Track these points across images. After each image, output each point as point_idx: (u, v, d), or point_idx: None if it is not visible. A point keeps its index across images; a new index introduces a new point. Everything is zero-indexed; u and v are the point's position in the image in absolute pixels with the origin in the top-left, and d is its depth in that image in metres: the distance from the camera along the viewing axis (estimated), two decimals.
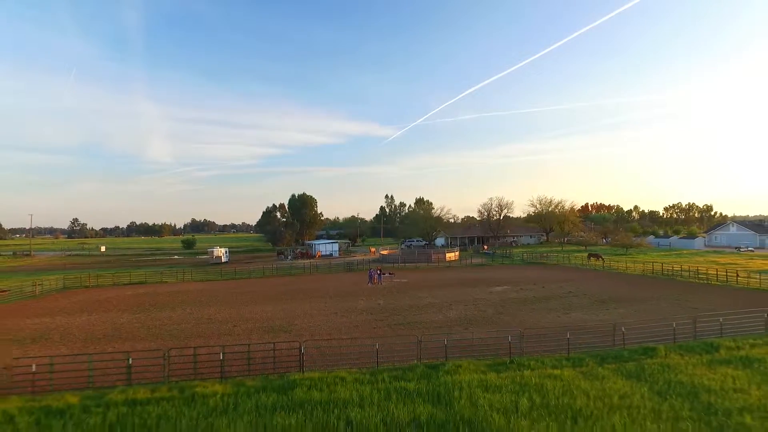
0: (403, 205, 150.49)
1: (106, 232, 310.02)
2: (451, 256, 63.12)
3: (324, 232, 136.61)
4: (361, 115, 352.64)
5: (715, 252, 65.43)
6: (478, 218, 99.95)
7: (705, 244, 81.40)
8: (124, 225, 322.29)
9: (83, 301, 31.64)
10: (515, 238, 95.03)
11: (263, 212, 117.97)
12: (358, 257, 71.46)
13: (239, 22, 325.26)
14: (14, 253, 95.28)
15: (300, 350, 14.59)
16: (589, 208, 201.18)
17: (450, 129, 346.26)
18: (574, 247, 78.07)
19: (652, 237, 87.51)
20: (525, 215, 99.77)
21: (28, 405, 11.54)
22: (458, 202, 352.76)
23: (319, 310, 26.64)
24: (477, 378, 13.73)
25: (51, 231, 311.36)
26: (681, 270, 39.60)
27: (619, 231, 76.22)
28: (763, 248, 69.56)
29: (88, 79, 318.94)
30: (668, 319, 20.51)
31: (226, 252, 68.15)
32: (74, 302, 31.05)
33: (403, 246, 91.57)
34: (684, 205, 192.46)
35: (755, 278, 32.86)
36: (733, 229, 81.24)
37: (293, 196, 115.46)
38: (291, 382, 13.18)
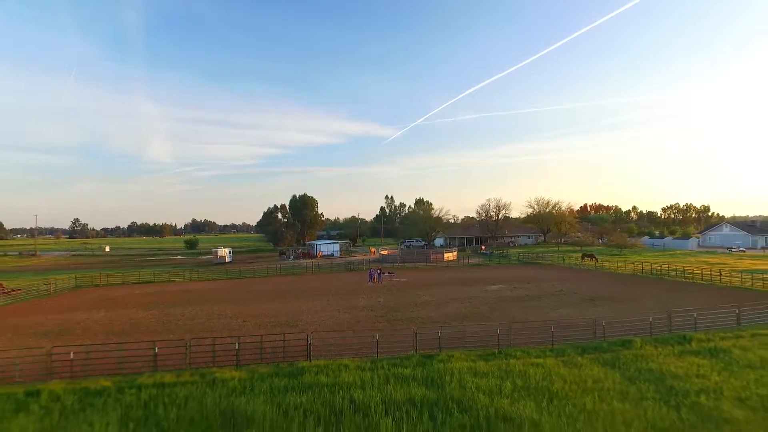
0: (403, 205, 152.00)
1: (107, 232, 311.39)
2: (449, 256, 64.61)
3: (324, 233, 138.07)
4: (361, 115, 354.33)
5: (707, 252, 66.97)
6: (477, 219, 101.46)
7: (699, 245, 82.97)
8: (124, 225, 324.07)
9: (97, 299, 33.18)
10: (513, 239, 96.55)
11: (264, 213, 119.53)
12: (359, 257, 72.96)
13: (239, 22, 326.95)
14: (20, 253, 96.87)
15: (307, 341, 16.13)
16: (588, 208, 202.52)
17: (450, 129, 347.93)
18: (570, 248, 79.57)
19: (646, 237, 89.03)
20: (523, 216, 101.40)
21: (69, 387, 13.07)
22: (458, 202, 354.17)
23: (323, 307, 28.16)
24: (467, 366, 15.26)
25: (52, 231, 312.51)
26: (669, 270, 41.14)
27: (613, 232, 77.67)
28: (755, 248, 71.09)
29: (88, 79, 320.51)
30: (648, 315, 22.01)
31: (229, 252, 69.71)
32: (88, 300, 32.58)
33: (402, 246, 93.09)
34: (682, 206, 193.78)
35: (737, 277, 34.36)
36: (726, 229, 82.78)
37: (294, 196, 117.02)
38: (300, 369, 14.72)
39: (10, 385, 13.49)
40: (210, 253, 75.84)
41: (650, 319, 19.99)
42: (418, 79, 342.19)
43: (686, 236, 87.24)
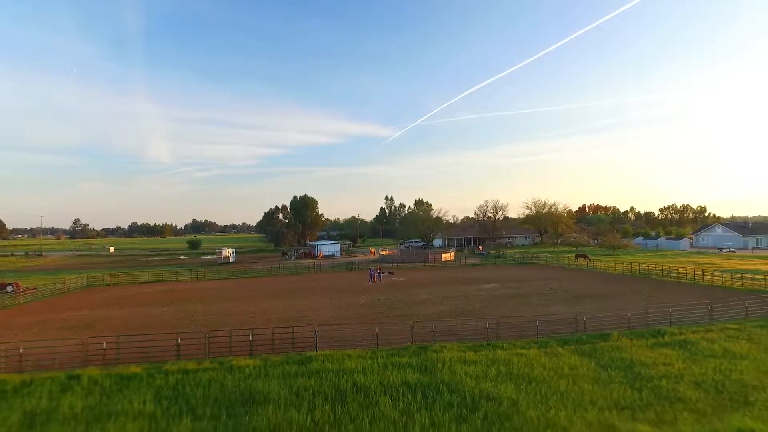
0: (402, 206, 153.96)
1: (107, 233, 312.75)
2: (447, 256, 66.31)
3: (325, 233, 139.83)
4: (361, 115, 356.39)
5: (698, 253, 68.72)
6: (476, 219, 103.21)
7: (693, 246, 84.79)
8: (124, 225, 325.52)
9: (110, 297, 34.88)
10: (510, 239, 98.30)
11: (265, 213, 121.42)
12: (359, 257, 74.67)
13: (239, 22, 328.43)
14: (26, 254, 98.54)
15: (314, 333, 17.84)
16: (587, 209, 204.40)
17: (450, 129, 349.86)
18: (566, 248, 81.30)
19: (641, 238, 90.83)
20: (520, 217, 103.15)
21: (104, 372, 14.77)
22: (458, 202, 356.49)
23: (325, 304, 29.86)
24: (458, 355, 16.97)
25: (53, 231, 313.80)
26: (656, 270, 42.88)
27: (607, 232, 79.49)
28: (746, 249, 72.85)
29: (88, 79, 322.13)
30: (629, 311, 23.70)
31: (233, 252, 71.47)
32: (102, 298, 34.28)
33: (401, 247, 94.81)
34: (679, 207, 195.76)
35: (719, 276, 36.10)
36: (719, 230, 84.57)
37: (295, 197, 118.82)
38: (308, 358, 16.43)
39: (49, 371, 15.18)
40: (213, 254, 77.64)
41: (628, 315, 21.71)
42: (418, 79, 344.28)
43: (679, 237, 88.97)
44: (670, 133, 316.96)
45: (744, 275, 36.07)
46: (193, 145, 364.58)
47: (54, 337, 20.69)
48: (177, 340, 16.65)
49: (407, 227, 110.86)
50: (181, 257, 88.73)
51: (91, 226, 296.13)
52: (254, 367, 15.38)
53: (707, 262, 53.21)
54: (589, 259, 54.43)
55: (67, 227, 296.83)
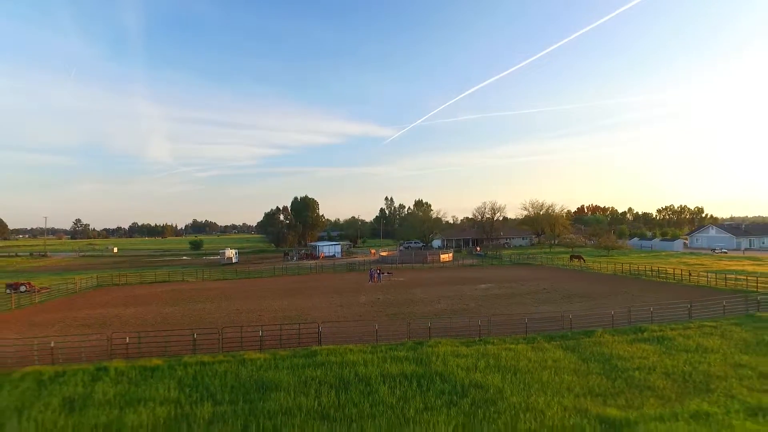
0: (402, 206, 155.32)
1: (108, 233, 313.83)
2: (446, 257, 67.76)
3: (325, 234, 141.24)
4: (361, 115, 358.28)
5: (691, 254, 70.20)
6: (474, 220, 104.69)
7: (688, 246, 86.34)
8: (124, 225, 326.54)
9: (121, 296, 36.33)
10: (508, 240, 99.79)
11: (266, 214, 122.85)
12: (360, 258, 76.12)
13: (239, 22, 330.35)
14: (31, 254, 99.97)
15: (318, 329, 19.30)
16: (585, 209, 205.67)
17: (450, 129, 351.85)
18: (563, 249, 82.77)
19: (636, 239, 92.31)
20: (519, 217, 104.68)
21: (129, 364, 16.22)
22: (458, 203, 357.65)
23: (327, 303, 31.32)
24: (451, 349, 18.42)
25: (54, 231, 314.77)
26: (646, 270, 44.37)
27: (602, 233, 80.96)
28: (738, 250, 74.35)
29: (88, 79, 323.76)
30: (614, 309, 25.15)
31: (236, 253, 72.96)
32: (114, 297, 35.73)
33: (401, 247, 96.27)
34: (676, 207, 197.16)
35: (704, 277, 37.58)
36: (712, 232, 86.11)
37: (296, 198, 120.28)
38: (313, 352, 17.89)
39: (79, 363, 16.63)
40: (215, 254, 79.06)
41: (612, 313, 23.18)
42: (418, 79, 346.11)
43: (673, 238, 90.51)
44: (670, 133, 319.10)
45: (728, 276, 37.56)
46: (193, 146, 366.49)
47: (75, 334, 22.13)
48: (193, 335, 18.11)
49: (407, 228, 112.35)
50: (184, 258, 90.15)
51: (91, 227, 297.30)
52: (264, 360, 16.84)
53: (697, 262, 54.69)
54: (583, 260, 55.89)
55: (67, 227, 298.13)
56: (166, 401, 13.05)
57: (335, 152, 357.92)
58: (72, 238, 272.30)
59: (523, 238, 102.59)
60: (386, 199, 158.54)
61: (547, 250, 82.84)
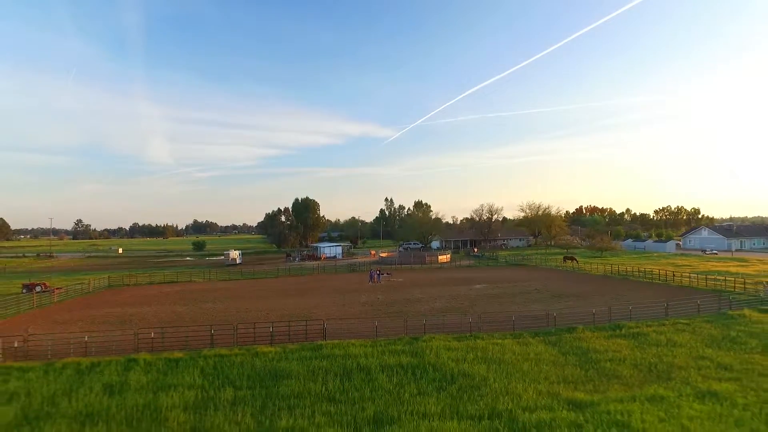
0: (402, 207, 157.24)
1: (109, 233, 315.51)
2: (443, 258, 69.68)
3: (326, 234, 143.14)
4: (361, 115, 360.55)
5: (682, 255, 72.15)
6: (475, 220, 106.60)
7: (681, 247, 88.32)
8: (125, 226, 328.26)
9: (134, 296, 38.26)
10: (505, 241, 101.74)
11: (267, 215, 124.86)
12: (360, 259, 78.04)
13: (239, 22, 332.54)
14: (38, 255, 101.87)
15: (323, 326, 21.24)
16: (584, 210, 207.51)
17: (450, 130, 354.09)
18: (558, 250, 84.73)
19: (630, 240, 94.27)
20: (517, 219, 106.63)
21: (155, 356, 18.16)
22: (458, 203, 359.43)
23: (331, 302, 33.24)
24: (443, 344, 20.35)
25: (55, 232, 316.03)
26: (633, 271, 46.34)
27: (597, 235, 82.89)
28: (728, 251, 76.29)
29: (88, 80, 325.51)
30: (597, 308, 27.06)
31: (240, 254, 74.93)
32: (128, 297, 37.65)
33: (400, 248, 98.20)
34: (673, 208, 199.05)
35: (687, 277, 39.54)
36: (704, 233, 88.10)
37: (296, 200, 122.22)
38: (319, 346, 19.82)
39: (109, 356, 18.56)
40: (218, 255, 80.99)
41: (593, 311, 25.12)
42: (419, 79, 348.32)
43: (666, 239, 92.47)
44: (670, 134, 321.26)
45: (708, 277, 39.53)
46: (193, 146, 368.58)
47: (101, 330, 24.05)
48: (211, 331, 20.05)
49: (406, 229, 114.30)
50: (188, 259, 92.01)
51: (92, 227, 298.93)
52: (276, 353, 18.78)
53: (686, 263, 56.64)
54: (576, 261, 57.80)
55: (68, 228, 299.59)
56: (193, 387, 14.98)
57: (335, 152, 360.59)
58: (74, 238, 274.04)
59: (520, 240, 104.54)
60: (386, 199, 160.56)
61: (543, 251, 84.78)
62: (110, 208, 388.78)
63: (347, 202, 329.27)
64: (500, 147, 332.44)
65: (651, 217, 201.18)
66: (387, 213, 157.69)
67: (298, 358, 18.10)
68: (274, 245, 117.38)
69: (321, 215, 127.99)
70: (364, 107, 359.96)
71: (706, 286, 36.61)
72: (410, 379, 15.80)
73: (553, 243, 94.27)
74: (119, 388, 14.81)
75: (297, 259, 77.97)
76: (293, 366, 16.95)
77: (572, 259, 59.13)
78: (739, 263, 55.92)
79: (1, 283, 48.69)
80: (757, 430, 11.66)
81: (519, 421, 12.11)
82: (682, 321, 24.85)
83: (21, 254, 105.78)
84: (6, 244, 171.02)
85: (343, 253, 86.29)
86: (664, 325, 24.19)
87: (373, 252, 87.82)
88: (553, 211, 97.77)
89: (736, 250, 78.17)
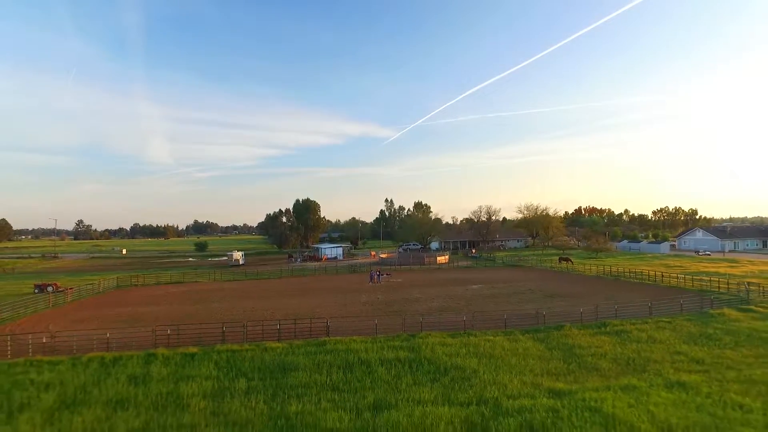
0: (402, 208, 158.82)
1: (110, 233, 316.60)
2: (442, 259, 71.14)
3: (326, 235, 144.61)
4: (361, 115, 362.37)
5: (675, 256, 73.67)
6: (473, 222, 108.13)
7: (677, 248, 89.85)
8: (125, 226, 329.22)
9: (143, 296, 39.76)
10: (503, 242, 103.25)
11: (268, 216, 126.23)
12: (360, 260, 79.52)
13: (239, 22, 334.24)
14: (43, 255, 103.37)
15: (327, 324, 22.75)
16: (583, 211, 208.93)
17: (450, 130, 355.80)
18: (555, 251, 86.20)
19: (626, 241, 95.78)
20: (516, 219, 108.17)
21: (171, 352, 19.67)
22: (458, 203, 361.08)
23: (333, 302, 34.74)
24: (439, 340, 21.85)
25: (56, 233, 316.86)
26: (625, 272, 47.87)
27: (593, 236, 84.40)
28: (721, 252, 77.77)
29: (88, 80, 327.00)
30: (586, 307, 28.53)
31: (243, 255, 76.46)
32: (137, 297, 39.16)
33: (400, 249, 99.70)
34: (671, 209, 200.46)
35: (675, 278, 41.04)
36: (699, 234, 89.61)
37: (297, 201, 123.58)
38: (323, 342, 21.33)
39: (130, 351, 20.07)
40: (220, 256, 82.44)
41: (581, 310, 26.63)
42: (419, 79, 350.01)
43: (661, 240, 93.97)
44: (670, 134, 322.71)
45: (695, 277, 41.05)
46: (193, 146, 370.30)
47: (118, 328, 25.54)
48: (223, 328, 21.57)
49: (406, 230, 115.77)
50: (191, 259, 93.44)
51: (92, 227, 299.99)
52: (283, 348, 20.29)
53: (677, 264, 58.15)
54: (571, 262, 59.30)
55: (68, 228, 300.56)
56: (209, 378, 16.50)
57: (335, 153, 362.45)
58: (75, 238, 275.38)
59: (518, 240, 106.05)
60: (386, 200, 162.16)
61: (540, 252, 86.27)
62: (110, 208, 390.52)
63: (347, 202, 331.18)
64: (500, 147, 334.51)
65: (649, 218, 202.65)
66: (387, 214, 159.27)
67: (304, 352, 19.61)
68: (276, 246, 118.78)
69: (321, 216, 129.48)
70: (364, 107, 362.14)
71: (693, 286, 38.11)
72: (407, 371, 17.30)
73: (550, 244, 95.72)
74: (143, 379, 16.32)
75: (299, 260, 79.47)
76: (300, 359, 18.47)
77: (567, 260, 60.62)
78: (729, 264, 57.42)
79: (14, 284, 50.22)
80: (714, 414, 13.16)
81: (503, 406, 13.62)
82: (664, 319, 26.32)
83: (27, 255, 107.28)
84: (9, 244, 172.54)
85: (343, 254, 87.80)
86: (647, 323, 25.63)
87: (373, 253, 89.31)
88: (551, 213, 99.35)
89: (730, 251, 79.67)
